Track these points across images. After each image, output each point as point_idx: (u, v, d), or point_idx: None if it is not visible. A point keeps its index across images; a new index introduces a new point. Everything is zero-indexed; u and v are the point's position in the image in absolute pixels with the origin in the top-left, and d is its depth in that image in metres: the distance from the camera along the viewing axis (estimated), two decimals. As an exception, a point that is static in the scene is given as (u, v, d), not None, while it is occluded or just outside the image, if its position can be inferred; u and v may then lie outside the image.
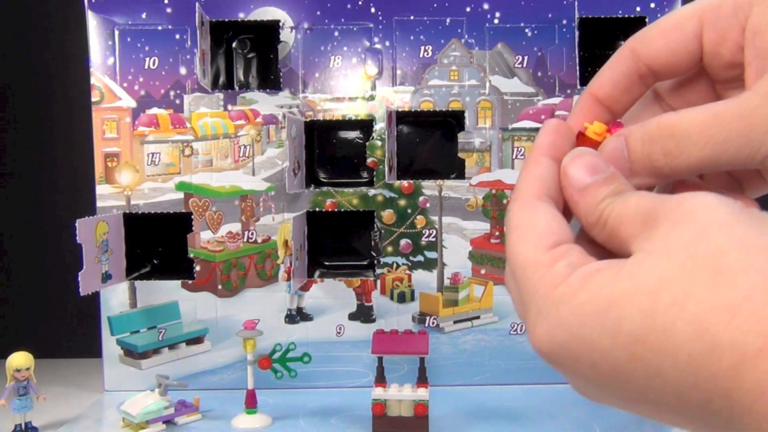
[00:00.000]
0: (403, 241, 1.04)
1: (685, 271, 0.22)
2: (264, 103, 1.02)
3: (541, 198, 0.28)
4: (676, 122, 0.27)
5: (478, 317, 1.04)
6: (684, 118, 0.27)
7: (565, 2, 1.01)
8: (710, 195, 0.24)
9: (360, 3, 1.01)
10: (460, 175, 1.03)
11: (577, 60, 1.00)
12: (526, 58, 1.02)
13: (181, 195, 1.02)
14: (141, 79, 1.01)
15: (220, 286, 1.03)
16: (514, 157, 1.03)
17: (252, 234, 1.03)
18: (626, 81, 0.31)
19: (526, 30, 1.02)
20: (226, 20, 1.00)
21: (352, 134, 1.05)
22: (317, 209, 1.03)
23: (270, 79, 1.05)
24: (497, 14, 1.01)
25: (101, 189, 1.01)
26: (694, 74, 0.31)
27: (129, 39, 1.01)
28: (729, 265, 0.21)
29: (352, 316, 1.04)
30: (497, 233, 1.03)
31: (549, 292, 0.25)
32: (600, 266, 0.24)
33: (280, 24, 1.01)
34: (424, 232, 1.03)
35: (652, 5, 1.00)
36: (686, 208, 0.23)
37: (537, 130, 0.86)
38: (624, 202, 0.26)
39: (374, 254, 1.04)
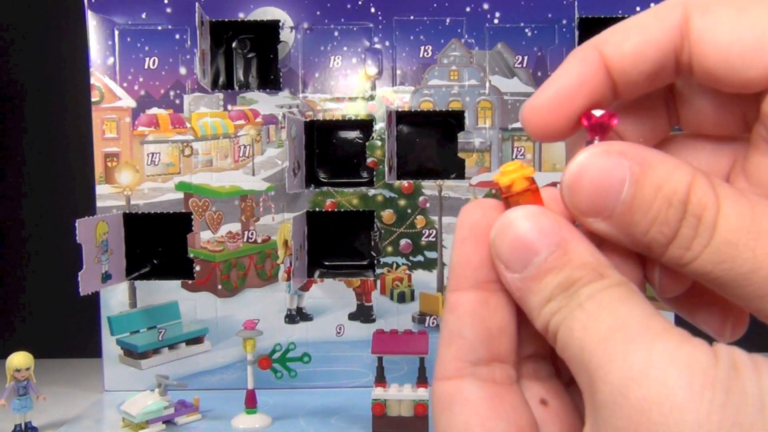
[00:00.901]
0: (403, 241, 1.04)
1: None
2: (264, 103, 1.02)
3: (462, 377, 0.20)
4: (710, 204, 0.18)
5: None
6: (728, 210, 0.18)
7: (565, 2, 1.01)
8: (676, 373, 0.16)
9: (360, 3, 1.01)
10: (460, 175, 1.03)
11: (577, 60, 1.00)
12: (526, 58, 1.02)
13: (181, 195, 1.02)
14: (141, 79, 1.01)
15: (220, 286, 1.03)
16: (513, 157, 1.03)
17: (252, 234, 1.03)
18: (661, 55, 0.20)
19: (526, 30, 1.02)
20: (226, 20, 1.00)
21: (352, 134, 1.05)
22: (317, 209, 1.03)
23: (270, 79, 1.05)
24: (497, 14, 1.01)
25: (101, 189, 1.01)
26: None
27: (129, 39, 1.01)
28: None
29: (352, 316, 1.04)
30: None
31: None
32: None
33: (280, 24, 1.01)
34: (424, 232, 1.03)
35: (652, 5, 1.00)
36: (637, 399, 0.17)
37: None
38: (572, 324, 0.18)
39: (374, 254, 1.04)
